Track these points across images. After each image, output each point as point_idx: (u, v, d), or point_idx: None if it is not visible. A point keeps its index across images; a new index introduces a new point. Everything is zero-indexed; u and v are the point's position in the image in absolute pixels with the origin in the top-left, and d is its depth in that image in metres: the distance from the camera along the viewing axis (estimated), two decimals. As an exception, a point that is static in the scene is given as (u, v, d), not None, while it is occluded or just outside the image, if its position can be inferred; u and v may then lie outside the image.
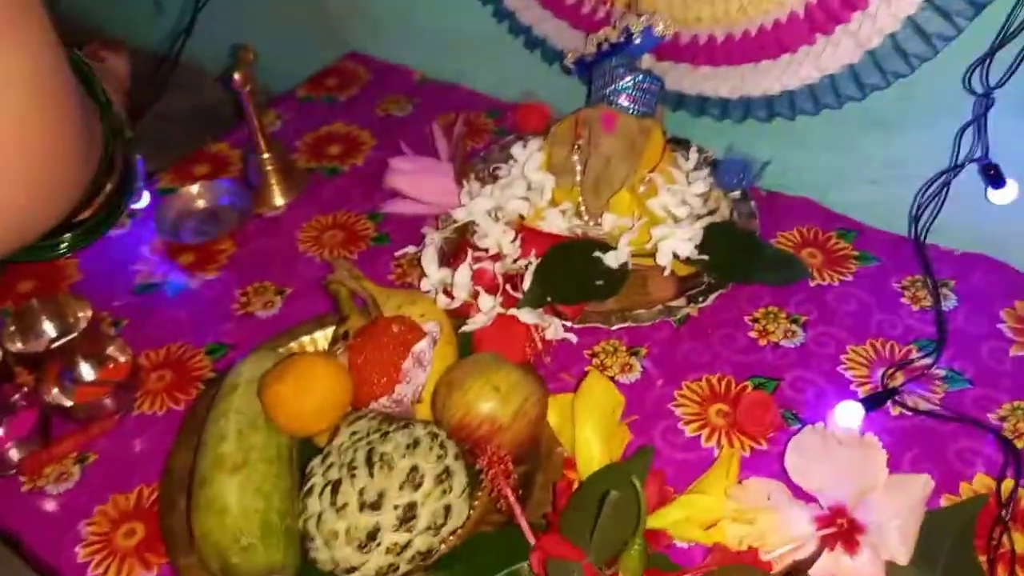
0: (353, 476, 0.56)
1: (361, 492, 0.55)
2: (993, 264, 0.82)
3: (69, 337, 0.74)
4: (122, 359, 0.75)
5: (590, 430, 0.65)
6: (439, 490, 0.56)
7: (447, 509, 0.57)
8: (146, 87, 1.19)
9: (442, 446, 0.58)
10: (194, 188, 0.94)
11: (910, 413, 0.70)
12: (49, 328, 0.77)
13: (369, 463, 0.56)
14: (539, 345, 0.71)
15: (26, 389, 0.72)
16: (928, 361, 0.73)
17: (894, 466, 0.66)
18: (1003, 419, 0.69)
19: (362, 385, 0.63)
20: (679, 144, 0.90)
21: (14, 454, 0.68)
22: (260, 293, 0.85)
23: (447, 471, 0.57)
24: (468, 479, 0.59)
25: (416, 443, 0.57)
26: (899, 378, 0.73)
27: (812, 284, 0.81)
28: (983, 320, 0.77)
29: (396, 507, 0.55)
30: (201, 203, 0.94)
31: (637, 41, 0.79)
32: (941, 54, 0.70)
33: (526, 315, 0.70)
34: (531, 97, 0.98)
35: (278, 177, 0.95)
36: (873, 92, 0.75)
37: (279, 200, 0.95)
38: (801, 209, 0.90)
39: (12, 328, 0.76)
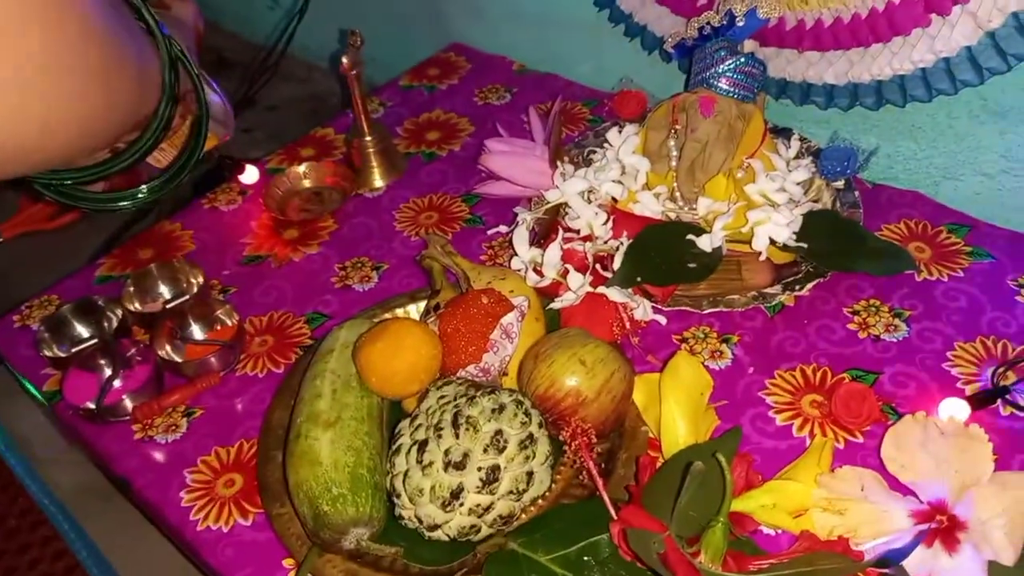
0: (439, 437, 0.57)
1: (447, 452, 0.56)
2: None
3: (182, 299, 0.79)
4: (229, 322, 0.79)
5: (676, 409, 0.64)
6: (522, 456, 0.57)
7: (529, 475, 0.58)
8: (258, 74, 1.25)
9: (527, 413, 0.59)
10: (301, 168, 0.99)
11: (1022, 414, 0.66)
12: (165, 291, 0.82)
13: (455, 425, 0.57)
14: (627, 325, 0.71)
15: (142, 345, 0.77)
16: (1045, 361, 0.68)
17: (1002, 468, 0.63)
18: None
19: (451, 352, 0.65)
20: (781, 134, 0.88)
21: (128, 403, 0.73)
22: (358, 268, 0.88)
23: (531, 438, 0.58)
24: (551, 449, 0.60)
25: (501, 408, 0.58)
26: (1011, 377, 0.68)
27: (918, 279, 0.78)
28: (1110, 322, 0.72)
29: (480, 468, 0.56)
30: (307, 183, 0.99)
31: (740, 24, 0.78)
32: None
33: (615, 294, 0.70)
34: (629, 84, 0.98)
35: (379, 160, 0.98)
36: (991, 77, 0.71)
37: (379, 182, 0.98)
38: (909, 202, 0.86)
39: (131, 289, 0.81)
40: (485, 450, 0.56)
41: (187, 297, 0.79)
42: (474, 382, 0.64)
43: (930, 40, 0.71)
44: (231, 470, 0.70)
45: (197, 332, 0.79)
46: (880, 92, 0.79)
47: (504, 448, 0.57)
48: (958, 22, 0.69)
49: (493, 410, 0.58)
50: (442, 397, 0.61)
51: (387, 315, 0.76)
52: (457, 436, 0.57)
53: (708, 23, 0.80)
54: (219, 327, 0.79)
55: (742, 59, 0.78)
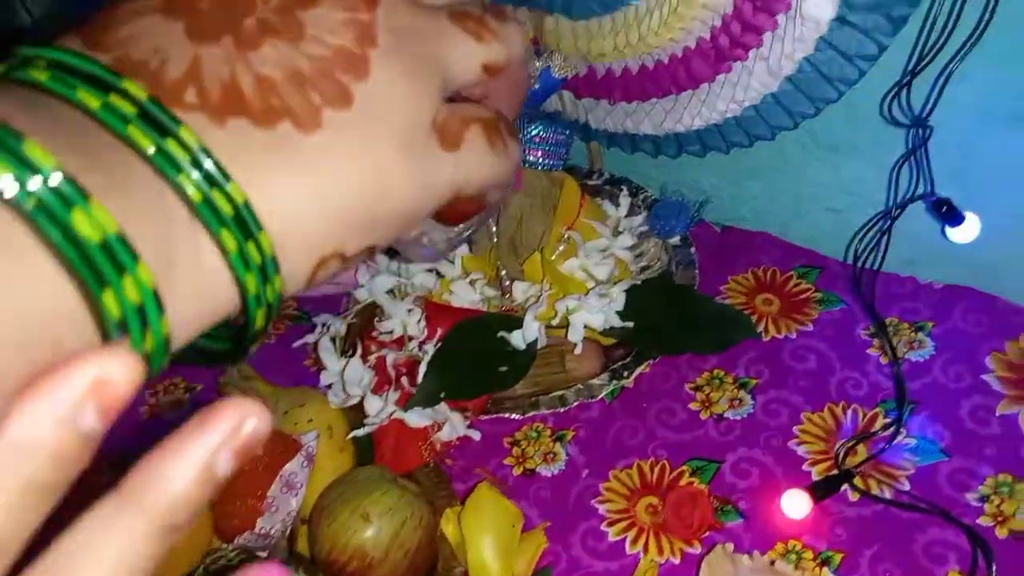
0: (191, 641, 0.50)
1: (198, 661, 0.49)
2: (980, 298, 0.70)
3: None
4: None
5: (486, 550, 0.57)
6: (289, 651, 0.50)
7: (301, 670, 0.50)
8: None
9: (294, 596, 0.51)
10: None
11: (870, 500, 0.59)
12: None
13: (206, 626, 0.50)
14: (437, 447, 0.64)
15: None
16: (892, 431, 0.62)
17: (851, 567, 0.57)
18: (984, 498, 0.58)
19: (221, 518, 0.57)
20: (616, 184, 0.81)
21: None
22: (170, 392, 0.80)
23: (299, 626, 0.51)
24: (333, 627, 0.52)
25: (262, 597, 0.51)
26: (860, 453, 0.62)
27: (766, 338, 0.71)
28: (965, 371, 0.66)
29: (236, 677, 0.48)
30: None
31: (536, 86, 0.70)
32: (875, 76, 0.59)
33: (415, 418, 0.63)
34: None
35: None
36: (804, 120, 0.65)
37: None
38: (758, 244, 0.79)
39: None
40: (241, 653, 0.49)
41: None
42: (251, 552, 0.56)
43: (732, 88, 0.64)
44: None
45: None
46: (703, 140, 0.72)
47: (263, 648, 0.49)
48: (755, 69, 0.62)
49: (251, 601, 0.50)
50: (206, 581, 0.53)
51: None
52: (209, 640, 0.49)
53: (507, 85, 0.73)
54: None
55: (541, 126, 0.70)
